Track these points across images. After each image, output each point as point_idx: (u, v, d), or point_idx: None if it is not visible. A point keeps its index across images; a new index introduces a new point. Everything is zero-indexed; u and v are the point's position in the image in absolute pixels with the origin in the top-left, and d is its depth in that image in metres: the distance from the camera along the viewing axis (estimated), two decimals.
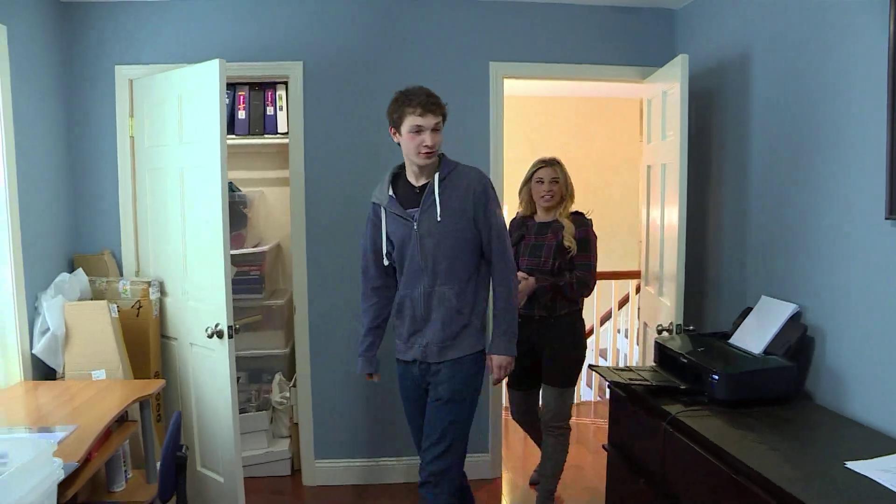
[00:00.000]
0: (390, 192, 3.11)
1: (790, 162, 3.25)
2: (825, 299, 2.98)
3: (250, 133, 4.51)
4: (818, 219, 3.03)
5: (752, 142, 3.57)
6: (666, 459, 2.85)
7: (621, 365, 6.06)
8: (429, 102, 2.94)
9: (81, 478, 2.73)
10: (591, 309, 6.21)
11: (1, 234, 3.44)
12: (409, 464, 4.23)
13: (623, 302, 6.37)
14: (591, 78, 4.45)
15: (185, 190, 3.81)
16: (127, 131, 4.11)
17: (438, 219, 2.99)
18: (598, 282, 6.11)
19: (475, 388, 3.12)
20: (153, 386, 3.44)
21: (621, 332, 6.67)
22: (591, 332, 6.35)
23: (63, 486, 2.30)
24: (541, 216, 3.90)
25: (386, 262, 3.17)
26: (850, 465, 2.24)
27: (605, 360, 6.73)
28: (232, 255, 3.75)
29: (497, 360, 3.11)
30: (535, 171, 3.86)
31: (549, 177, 3.82)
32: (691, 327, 3.75)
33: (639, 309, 5.39)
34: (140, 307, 3.93)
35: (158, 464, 3.45)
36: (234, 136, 4.37)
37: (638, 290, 5.94)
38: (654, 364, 3.44)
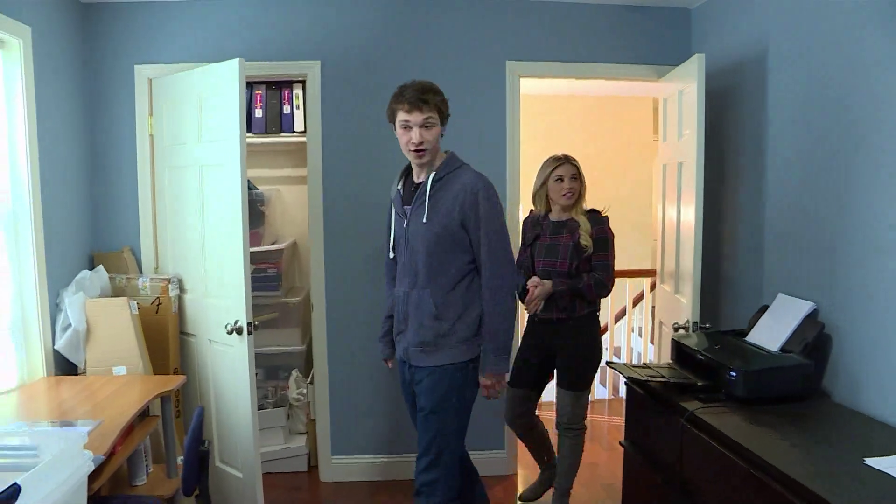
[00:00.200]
0: (398, 187, 3.10)
1: (808, 161, 3.26)
2: (843, 297, 2.99)
3: (267, 132, 4.55)
4: (837, 217, 3.04)
5: (768, 140, 3.58)
6: (683, 455, 2.87)
7: (635, 363, 6.07)
8: (417, 98, 2.85)
9: (106, 471, 2.76)
10: (606, 307, 6.21)
11: (24, 231, 3.49)
12: None
13: (637, 300, 6.38)
14: (607, 77, 4.45)
15: (204, 188, 3.84)
16: (146, 130, 4.15)
17: (424, 220, 2.92)
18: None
19: (461, 399, 2.97)
20: (174, 382, 3.46)
21: (635, 330, 6.68)
22: (605, 330, 6.37)
23: (89, 479, 2.33)
24: (556, 215, 3.79)
25: (391, 256, 3.16)
26: (870, 461, 2.26)
27: (619, 358, 6.73)
28: (249, 253, 3.78)
29: (482, 380, 2.99)
30: (553, 170, 3.72)
31: (569, 174, 3.71)
32: (707, 325, 3.77)
33: (653, 307, 5.41)
34: (159, 304, 3.97)
35: (179, 458, 3.52)
36: (250, 135, 4.40)
37: (652, 288, 5.96)
38: (670, 361, 3.45)
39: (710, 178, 3.78)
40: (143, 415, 3.40)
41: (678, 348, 3.38)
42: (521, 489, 4.36)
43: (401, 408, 4.25)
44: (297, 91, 4.51)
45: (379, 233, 3.66)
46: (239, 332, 3.63)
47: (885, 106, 2.73)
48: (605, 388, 6.39)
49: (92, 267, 4.04)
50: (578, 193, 3.75)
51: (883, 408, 2.74)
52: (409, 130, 2.88)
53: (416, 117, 2.85)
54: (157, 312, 3.96)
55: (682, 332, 3.78)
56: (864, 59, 2.87)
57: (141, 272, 4.19)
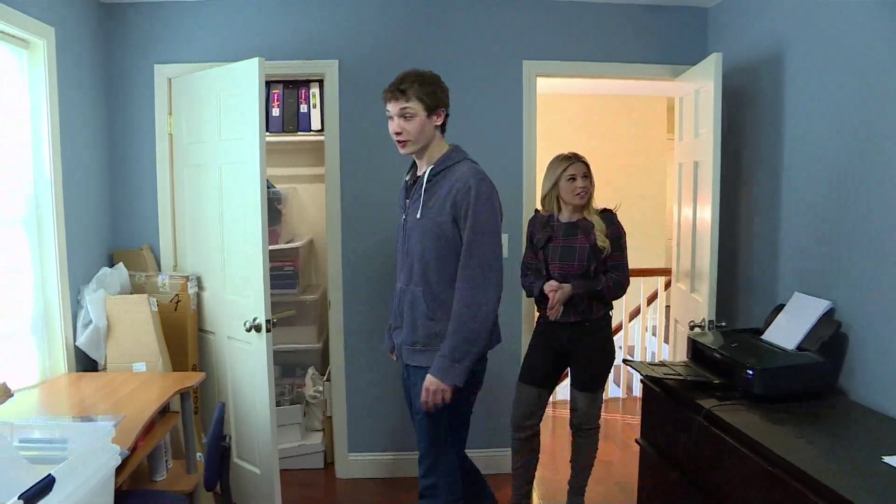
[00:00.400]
0: (406, 178, 3.06)
1: (824, 160, 3.26)
2: (859, 296, 3.00)
3: (284, 130, 4.60)
4: (853, 216, 3.04)
5: (784, 140, 3.58)
6: (700, 453, 2.88)
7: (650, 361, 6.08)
8: (395, 87, 2.81)
9: (128, 466, 2.80)
10: (621, 306, 6.24)
11: (47, 229, 3.54)
12: None
13: (650, 299, 6.39)
14: (623, 76, 4.47)
15: (223, 186, 3.88)
16: (166, 129, 4.19)
17: (418, 216, 2.84)
18: None
19: (454, 403, 2.81)
20: (194, 378, 3.50)
21: (648, 329, 6.69)
22: (620, 329, 6.39)
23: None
24: (567, 215, 3.69)
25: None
26: (888, 459, 2.26)
27: (632, 357, 6.75)
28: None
29: (425, 381, 2.75)
30: (565, 169, 3.62)
31: (581, 172, 3.62)
32: (723, 323, 3.78)
33: (667, 306, 5.42)
34: (178, 301, 4.00)
35: (199, 455, 3.56)
36: (268, 134, 4.41)
37: (667, 286, 5.98)
38: (686, 359, 3.47)
39: (726, 177, 3.78)
40: (164, 411, 3.43)
41: (694, 346, 3.40)
42: (536, 487, 4.38)
43: None
44: (314, 90, 4.55)
45: (395, 231, 3.69)
46: (258, 329, 3.66)
47: None
48: (618, 388, 6.40)
49: (112, 265, 4.09)
50: (590, 192, 3.67)
51: None
52: (391, 121, 2.85)
53: (394, 107, 2.81)
54: (175, 310, 4.00)
55: (697, 330, 3.79)
56: (882, 58, 2.87)
57: (160, 270, 4.23)
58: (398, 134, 2.82)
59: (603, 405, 5.63)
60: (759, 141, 3.83)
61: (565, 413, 3.95)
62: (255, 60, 3.56)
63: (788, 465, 2.28)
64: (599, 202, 3.74)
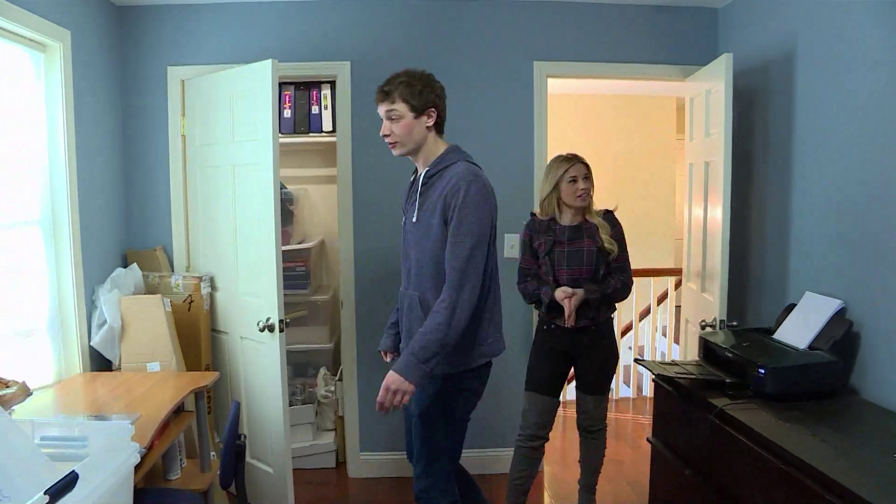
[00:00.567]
0: (411, 178, 2.97)
1: (835, 160, 3.27)
2: (871, 295, 3.01)
3: (295, 131, 4.62)
4: (865, 215, 3.06)
5: (795, 140, 3.59)
6: (712, 451, 2.90)
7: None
8: (380, 89, 2.77)
9: (145, 465, 2.83)
10: (630, 306, 6.25)
11: (62, 230, 3.57)
12: (465, 455, 4.29)
13: (660, 299, 6.40)
14: (634, 77, 4.48)
15: (236, 187, 3.90)
16: (179, 130, 4.22)
17: (414, 219, 2.78)
18: (636, 279, 6.21)
19: (448, 410, 2.76)
20: (208, 378, 3.52)
21: (658, 329, 6.69)
22: (629, 328, 6.40)
23: None
24: (569, 218, 3.60)
25: None
26: None
27: (642, 357, 6.75)
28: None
29: (386, 379, 2.61)
30: (566, 171, 3.53)
31: (582, 174, 3.54)
32: (734, 323, 3.78)
33: (677, 306, 5.43)
34: (192, 301, 4.03)
35: (212, 454, 3.59)
36: (279, 135, 4.45)
37: (677, 286, 5.99)
38: (697, 359, 3.48)
39: (736, 177, 3.79)
40: (178, 410, 3.46)
41: (706, 346, 3.41)
42: (547, 487, 4.40)
43: None
44: (325, 91, 4.57)
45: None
46: (271, 329, 3.69)
47: None
48: (628, 388, 6.41)
49: (125, 265, 4.12)
50: (591, 195, 3.60)
51: None
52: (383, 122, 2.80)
53: (381, 109, 2.77)
54: (189, 310, 4.03)
55: (709, 329, 3.80)
56: (893, 58, 2.88)
57: (173, 270, 4.25)
58: (386, 136, 2.78)
59: (613, 403, 5.66)
60: (770, 141, 3.84)
61: (574, 412, 3.93)
62: (269, 62, 3.59)
63: (802, 464, 2.30)
64: (597, 202, 3.71)
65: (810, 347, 3.09)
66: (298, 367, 5.07)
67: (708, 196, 4.05)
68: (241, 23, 4.22)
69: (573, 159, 3.57)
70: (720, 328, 3.75)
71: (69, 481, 1.69)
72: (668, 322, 6.32)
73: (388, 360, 3.11)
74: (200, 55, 4.23)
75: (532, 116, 4.33)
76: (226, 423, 4.09)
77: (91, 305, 3.78)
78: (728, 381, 3.05)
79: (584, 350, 3.62)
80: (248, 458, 4.01)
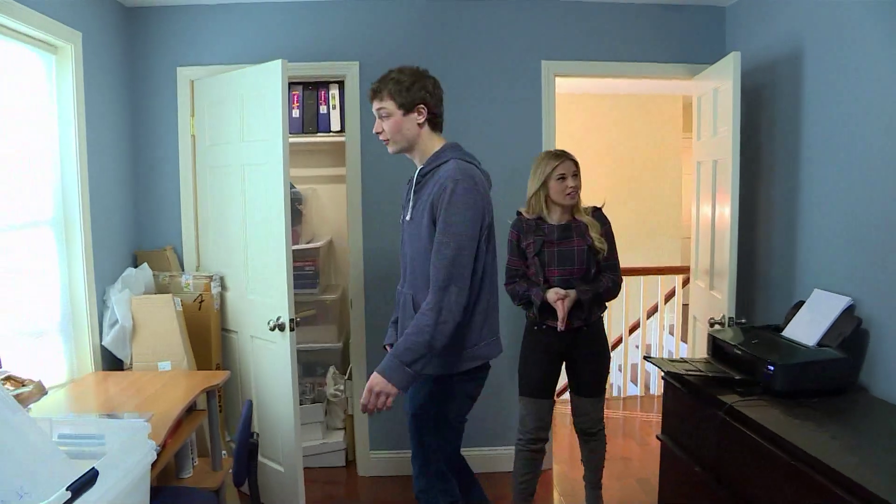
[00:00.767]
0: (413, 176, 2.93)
1: (843, 158, 3.28)
2: (880, 292, 3.01)
3: (304, 131, 4.64)
4: (874, 213, 3.07)
5: (803, 137, 3.60)
6: (722, 448, 2.91)
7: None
8: (370, 88, 2.79)
9: (159, 463, 2.84)
10: (638, 304, 6.27)
11: (74, 230, 3.60)
12: (465, 454, 4.31)
13: (667, 297, 6.41)
14: (641, 76, 4.49)
15: (246, 187, 3.92)
16: (188, 130, 4.24)
17: (408, 217, 2.79)
18: (643, 277, 6.23)
19: (442, 412, 2.75)
20: (219, 377, 3.54)
21: (665, 327, 6.71)
22: (636, 326, 6.42)
23: None
24: (557, 217, 3.53)
25: None
26: None
27: (649, 355, 6.77)
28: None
29: (370, 380, 2.59)
30: (554, 168, 3.45)
31: (571, 171, 3.46)
32: (743, 320, 3.80)
33: (684, 304, 5.44)
34: (202, 301, 4.05)
35: (223, 452, 3.61)
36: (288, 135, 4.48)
37: (684, 284, 6.01)
38: (706, 356, 3.49)
39: (744, 175, 3.80)
40: (190, 409, 3.47)
41: (714, 343, 3.42)
42: (556, 485, 4.41)
43: None
44: (334, 91, 4.59)
45: None
46: (281, 328, 3.71)
47: None
48: (636, 386, 6.42)
49: (135, 265, 4.15)
50: (579, 192, 3.52)
51: None
52: None
53: (373, 107, 2.79)
54: (199, 309, 4.05)
55: (717, 327, 3.81)
56: None
57: (182, 270, 4.27)
58: (378, 134, 2.81)
59: (621, 401, 5.67)
60: (778, 139, 3.85)
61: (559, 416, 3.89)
62: (279, 62, 3.61)
63: (812, 459, 2.31)
64: (595, 200, 3.69)
65: (819, 344, 3.10)
66: (307, 367, 5.09)
67: (716, 194, 4.06)
68: (249, 23, 4.24)
69: (562, 156, 3.50)
70: (729, 325, 3.76)
71: (90, 478, 1.71)
72: (676, 321, 6.33)
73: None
74: (209, 56, 4.25)
75: (540, 115, 4.34)
76: (236, 421, 4.12)
77: (102, 305, 3.81)
78: (737, 378, 3.06)
79: (578, 351, 3.58)
80: (258, 457, 4.03)
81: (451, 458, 2.88)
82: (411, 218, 2.76)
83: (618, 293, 3.62)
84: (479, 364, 2.75)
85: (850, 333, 3.04)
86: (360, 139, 4.29)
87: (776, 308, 3.81)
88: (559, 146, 4.20)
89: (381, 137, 2.82)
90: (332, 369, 4.84)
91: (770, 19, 3.91)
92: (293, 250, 4.31)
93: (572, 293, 3.42)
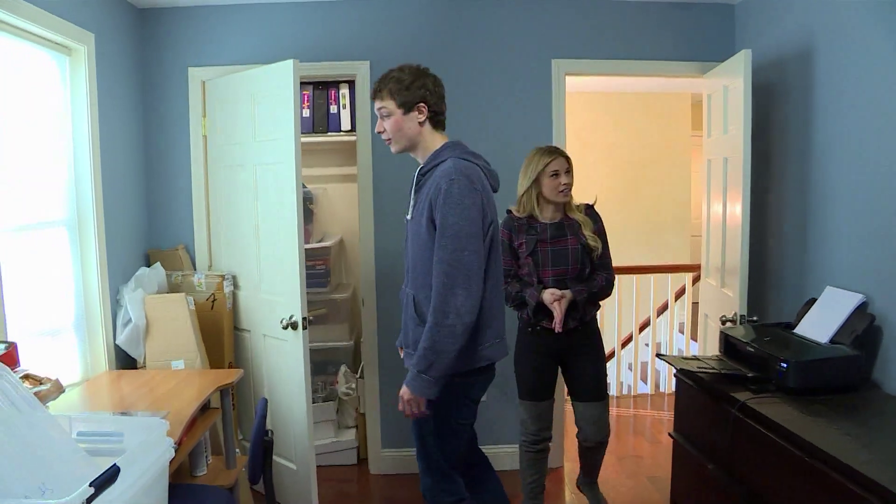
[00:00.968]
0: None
1: (854, 155, 3.28)
2: (893, 289, 3.01)
3: (314, 131, 4.66)
4: (887, 209, 3.06)
5: (816, 135, 3.59)
6: (735, 445, 2.92)
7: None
8: (372, 89, 2.81)
9: (175, 461, 2.86)
10: (649, 303, 6.27)
11: (88, 230, 3.62)
12: None
13: (676, 295, 6.41)
14: (651, 74, 4.50)
15: (258, 186, 3.94)
16: (200, 130, 4.26)
17: (409, 216, 2.78)
18: (653, 276, 6.23)
19: (441, 414, 2.71)
20: (233, 375, 3.56)
21: (674, 325, 6.71)
22: (647, 324, 6.42)
23: None
24: (549, 215, 3.47)
25: None
26: None
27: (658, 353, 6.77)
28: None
29: (401, 389, 2.65)
30: (547, 164, 3.38)
31: (564, 168, 3.39)
32: (755, 318, 3.80)
33: (694, 303, 5.44)
34: (214, 300, 4.07)
35: (236, 451, 3.62)
36: None
37: (694, 282, 6.01)
38: (718, 353, 3.49)
39: (755, 172, 3.80)
40: (203, 408, 3.49)
41: (727, 340, 3.42)
42: (568, 482, 4.42)
43: None
44: (344, 91, 4.62)
45: None
46: (294, 327, 3.72)
47: None
48: (646, 384, 6.43)
49: (148, 264, 4.17)
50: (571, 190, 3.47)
51: None
52: None
53: (374, 107, 2.80)
54: (212, 308, 4.07)
55: (729, 325, 3.81)
56: None
57: (195, 269, 4.29)
58: (380, 133, 2.81)
59: (631, 399, 5.65)
60: (789, 136, 3.85)
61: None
62: (290, 62, 3.62)
63: (826, 456, 2.31)
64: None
65: (832, 342, 3.10)
66: (318, 365, 5.10)
67: (727, 191, 4.06)
68: (260, 24, 4.26)
69: (554, 152, 3.44)
70: (740, 323, 3.76)
71: (112, 474, 1.73)
72: (686, 319, 6.33)
73: (402, 355, 3.03)
74: (220, 56, 4.27)
75: (550, 114, 4.34)
76: (248, 420, 4.16)
77: (116, 304, 3.83)
78: (750, 375, 3.07)
79: (573, 351, 3.52)
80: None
81: (454, 459, 2.84)
82: (412, 217, 2.75)
83: (611, 292, 3.56)
84: (482, 366, 2.73)
85: (863, 330, 3.03)
86: (371, 138, 4.30)
87: (788, 306, 3.81)
88: (570, 145, 4.21)
89: (383, 137, 2.82)
90: (343, 368, 4.85)
91: (780, 16, 3.90)
92: (304, 249, 4.34)
93: (568, 293, 3.37)
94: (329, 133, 4.67)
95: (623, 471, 4.33)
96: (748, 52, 3.70)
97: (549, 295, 3.35)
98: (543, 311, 3.42)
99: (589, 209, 3.54)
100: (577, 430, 3.66)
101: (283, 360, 3.89)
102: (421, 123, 2.74)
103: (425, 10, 4.30)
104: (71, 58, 3.52)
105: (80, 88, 3.54)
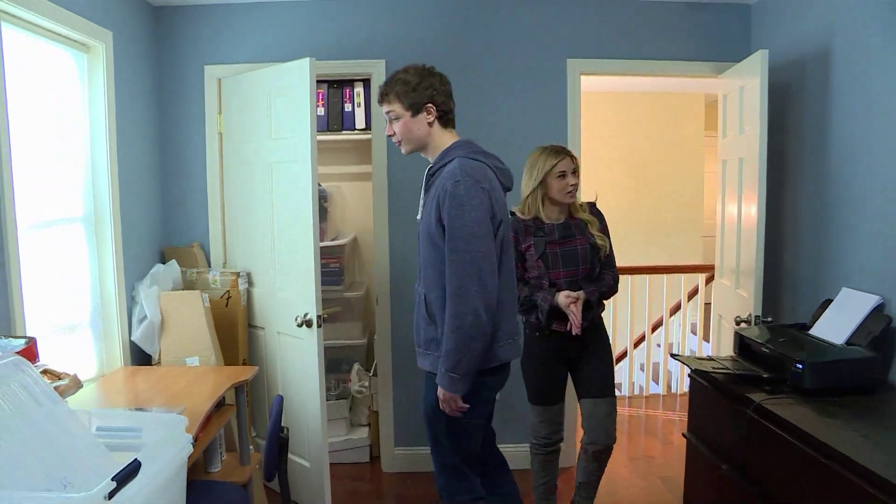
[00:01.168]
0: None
1: (872, 157, 3.27)
2: None
3: (328, 129, 4.67)
4: None
5: (832, 136, 3.58)
6: (750, 446, 2.91)
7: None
8: (379, 92, 2.79)
9: (191, 457, 2.87)
10: (661, 303, 6.26)
11: (104, 227, 3.64)
12: None
13: (689, 296, 6.41)
14: (666, 74, 4.50)
15: (273, 184, 3.95)
16: (216, 128, 4.28)
17: (419, 216, 2.77)
18: (666, 276, 6.22)
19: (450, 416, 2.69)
20: (248, 372, 3.57)
21: (686, 326, 6.70)
22: (659, 324, 6.42)
23: None
24: (554, 216, 3.39)
25: None
26: None
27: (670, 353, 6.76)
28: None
29: (438, 390, 2.65)
30: (554, 165, 3.30)
31: (571, 168, 3.32)
32: (769, 319, 3.79)
33: (707, 303, 5.43)
34: (229, 297, 4.09)
35: (250, 447, 3.63)
36: None
37: (707, 282, 6.00)
38: (733, 354, 3.48)
39: (770, 173, 3.79)
40: (218, 404, 3.50)
41: (741, 341, 3.41)
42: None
43: None
44: (358, 89, 4.63)
45: None
46: (308, 324, 3.73)
47: None
48: (657, 385, 6.42)
49: (163, 262, 4.19)
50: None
51: None
52: None
53: (382, 111, 2.79)
54: (226, 305, 4.09)
55: (744, 325, 3.80)
56: None
57: (210, 267, 4.31)
58: (391, 136, 2.80)
59: (643, 402, 5.64)
60: (805, 137, 3.83)
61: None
62: (307, 60, 3.63)
63: (842, 457, 2.30)
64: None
65: (848, 343, 3.08)
66: (331, 363, 5.11)
67: (742, 192, 4.06)
68: (276, 22, 4.28)
69: (561, 152, 3.35)
70: (755, 324, 3.75)
71: (133, 469, 1.74)
72: (699, 319, 6.32)
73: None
74: (236, 54, 4.29)
75: (566, 114, 4.35)
76: (261, 417, 4.17)
77: (131, 301, 3.85)
78: (765, 376, 3.06)
79: (585, 352, 3.44)
80: None
81: (469, 457, 2.83)
82: (422, 217, 2.74)
83: (617, 290, 3.51)
84: (496, 366, 2.71)
85: (880, 332, 3.02)
86: (386, 137, 4.29)
87: (803, 307, 3.80)
88: (584, 145, 4.20)
89: (393, 140, 2.81)
90: (356, 366, 4.87)
91: (797, 17, 3.89)
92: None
93: (582, 294, 3.30)
94: (343, 131, 4.69)
95: (635, 471, 4.32)
96: (765, 52, 3.69)
97: (564, 298, 3.27)
98: (555, 315, 3.34)
99: (592, 208, 3.49)
100: (582, 434, 3.57)
101: (297, 358, 3.91)
102: (430, 124, 2.72)
103: (441, 9, 4.31)
104: (89, 55, 3.54)
105: (97, 86, 3.56)
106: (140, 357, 3.86)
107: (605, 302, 3.53)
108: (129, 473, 1.71)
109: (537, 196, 3.35)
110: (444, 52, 4.23)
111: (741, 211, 4.08)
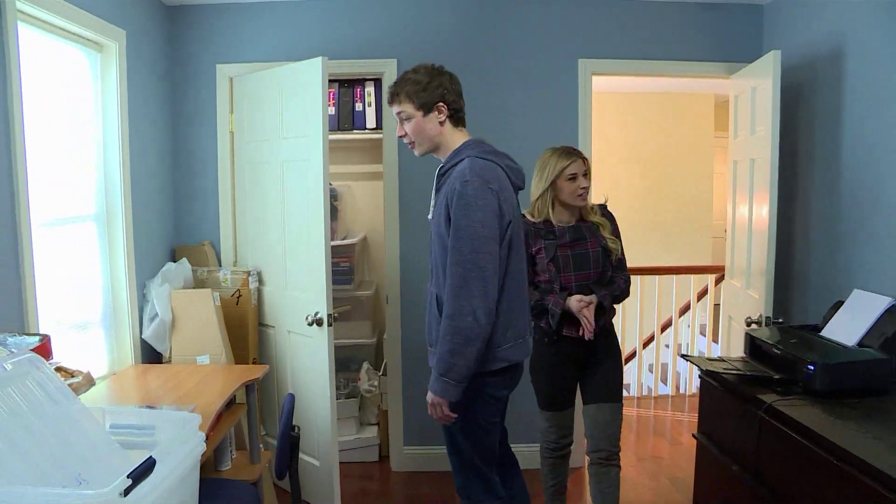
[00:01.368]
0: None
1: (884, 157, 3.26)
2: None
3: (339, 128, 4.68)
4: None
5: (843, 137, 3.57)
6: (761, 447, 2.90)
7: None
8: (389, 93, 2.76)
9: (203, 455, 2.88)
10: (671, 304, 6.26)
11: (116, 225, 3.66)
12: None
13: (698, 296, 6.40)
14: (678, 74, 4.50)
15: (285, 183, 3.97)
16: (227, 127, 4.30)
17: (430, 216, 2.75)
18: (675, 277, 6.22)
19: (468, 413, 2.65)
20: (258, 371, 3.58)
21: (696, 327, 6.69)
22: (668, 324, 6.41)
23: None
24: (565, 218, 3.32)
25: None
26: None
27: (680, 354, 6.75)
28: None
29: (428, 395, 2.62)
30: (565, 167, 3.21)
31: (582, 171, 3.24)
32: (780, 320, 3.78)
33: (716, 304, 5.42)
34: (240, 296, 4.10)
35: (260, 446, 3.64)
36: None
37: (717, 283, 5.99)
38: (743, 355, 3.48)
39: (781, 174, 3.78)
40: (228, 403, 3.51)
41: (752, 342, 3.39)
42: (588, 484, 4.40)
43: None
44: (369, 89, 4.64)
45: None
46: (319, 323, 3.74)
47: None
48: (666, 386, 6.41)
49: (174, 260, 4.20)
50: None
51: None
52: None
53: (393, 111, 2.76)
54: (237, 304, 4.10)
55: (754, 326, 3.79)
56: None
57: (221, 265, 4.32)
58: (401, 137, 2.78)
59: (652, 402, 5.63)
60: (817, 138, 3.83)
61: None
62: (319, 60, 3.64)
63: (857, 460, 2.29)
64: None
65: (860, 345, 3.06)
66: (341, 362, 5.11)
67: (753, 193, 4.05)
68: (288, 21, 4.29)
69: (572, 154, 3.27)
70: (766, 325, 3.74)
71: (148, 466, 1.75)
72: (708, 320, 6.31)
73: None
74: (248, 53, 4.30)
75: (577, 114, 4.35)
76: (271, 416, 4.18)
77: (142, 299, 3.86)
78: (776, 377, 3.05)
79: (596, 357, 3.36)
80: None
81: (486, 456, 2.80)
82: (432, 217, 2.72)
83: (629, 293, 3.42)
84: (505, 366, 2.67)
85: (893, 334, 3.00)
86: (398, 137, 4.30)
87: (814, 308, 3.79)
88: (595, 144, 4.19)
89: (405, 141, 2.78)
90: (365, 365, 4.88)
91: (809, 18, 3.89)
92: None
93: (594, 298, 3.22)
94: (354, 130, 4.69)
95: (644, 472, 4.31)
96: (777, 52, 3.68)
97: (576, 302, 3.19)
98: (566, 319, 3.27)
99: (604, 209, 3.42)
100: (585, 443, 3.52)
101: (307, 357, 3.92)
102: (441, 123, 2.69)
103: (453, 8, 4.31)
104: (102, 54, 3.55)
105: (110, 85, 3.58)
106: (151, 355, 3.87)
107: (615, 306, 3.46)
108: (144, 471, 1.72)
109: (547, 198, 3.27)
110: (456, 52, 4.23)
111: (752, 212, 4.07)
